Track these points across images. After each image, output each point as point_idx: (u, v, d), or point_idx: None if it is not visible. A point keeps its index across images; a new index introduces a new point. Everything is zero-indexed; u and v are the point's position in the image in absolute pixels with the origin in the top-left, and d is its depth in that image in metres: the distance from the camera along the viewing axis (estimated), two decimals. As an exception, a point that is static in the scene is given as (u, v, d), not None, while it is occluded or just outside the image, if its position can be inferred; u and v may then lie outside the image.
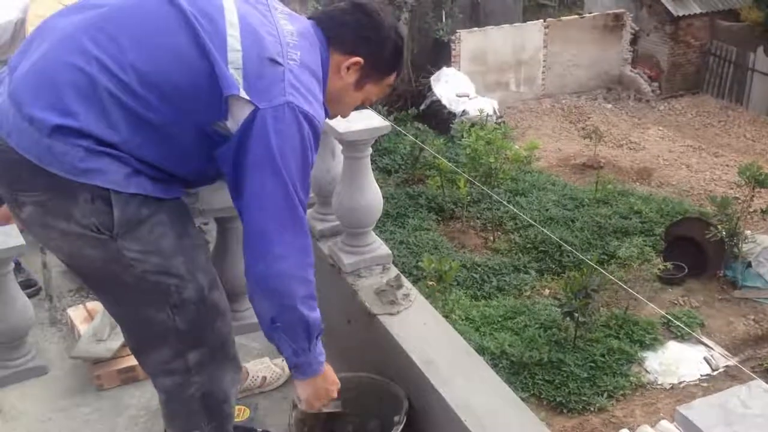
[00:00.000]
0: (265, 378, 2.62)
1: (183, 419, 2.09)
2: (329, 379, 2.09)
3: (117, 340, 2.70)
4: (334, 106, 2.04)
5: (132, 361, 2.71)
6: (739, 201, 11.21)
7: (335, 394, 2.13)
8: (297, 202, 1.86)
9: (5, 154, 1.78)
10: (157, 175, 1.86)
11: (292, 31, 1.90)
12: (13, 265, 2.62)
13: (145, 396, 2.65)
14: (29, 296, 2.91)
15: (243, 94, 1.77)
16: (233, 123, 1.80)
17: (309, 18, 2.03)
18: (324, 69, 1.95)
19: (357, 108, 2.24)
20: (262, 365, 2.66)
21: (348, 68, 1.98)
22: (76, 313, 2.93)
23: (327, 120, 2.11)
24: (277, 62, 1.82)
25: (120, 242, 1.82)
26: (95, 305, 2.95)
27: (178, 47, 1.79)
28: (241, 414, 2.48)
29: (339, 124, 2.52)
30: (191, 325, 1.96)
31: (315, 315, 1.94)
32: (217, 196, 2.44)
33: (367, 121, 2.64)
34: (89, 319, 2.85)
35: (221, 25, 1.81)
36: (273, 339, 1.95)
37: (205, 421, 2.09)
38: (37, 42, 1.85)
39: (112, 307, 2.06)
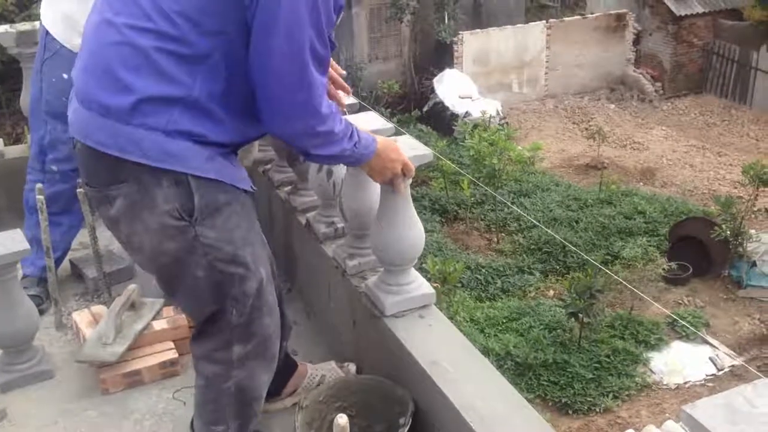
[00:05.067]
0: (324, 377, 2.58)
1: (211, 409, 2.13)
2: (389, 146, 2.17)
3: (122, 344, 2.71)
4: None
5: (137, 364, 2.72)
6: (743, 200, 11.20)
7: (403, 154, 2.20)
8: None
9: (89, 156, 1.88)
10: (231, 154, 1.95)
11: None
12: (18, 269, 2.63)
13: (151, 399, 2.65)
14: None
15: None
16: None
17: None
18: None
19: None
20: (327, 367, 2.62)
21: None
22: (81, 317, 2.93)
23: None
24: None
25: (198, 228, 1.89)
26: (100, 309, 2.95)
27: None
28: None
29: None
30: (244, 318, 2.02)
31: (340, 130, 1.98)
32: None
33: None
34: (94, 323, 2.86)
35: None
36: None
37: (232, 418, 2.12)
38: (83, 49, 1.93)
39: (180, 303, 2.14)
